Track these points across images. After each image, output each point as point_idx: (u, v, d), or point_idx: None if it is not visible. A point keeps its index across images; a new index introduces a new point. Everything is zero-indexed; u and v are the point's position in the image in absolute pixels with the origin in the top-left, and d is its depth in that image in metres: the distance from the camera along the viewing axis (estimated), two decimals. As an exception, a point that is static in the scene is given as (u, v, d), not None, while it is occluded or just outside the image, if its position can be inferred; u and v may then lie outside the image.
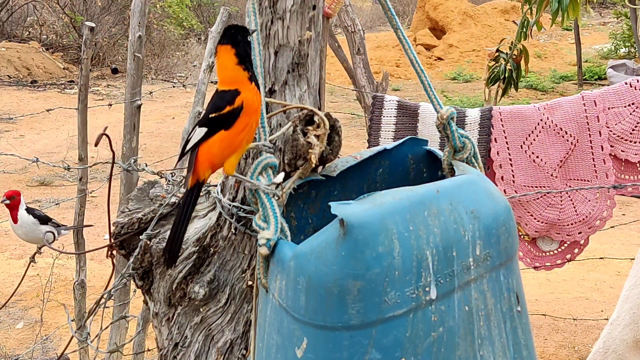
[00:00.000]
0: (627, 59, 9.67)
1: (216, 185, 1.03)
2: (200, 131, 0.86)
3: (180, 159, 0.92)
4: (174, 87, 4.40)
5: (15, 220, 1.88)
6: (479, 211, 0.82)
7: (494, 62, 4.38)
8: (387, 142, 2.10)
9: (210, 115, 0.86)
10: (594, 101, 1.99)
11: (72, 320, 2.52)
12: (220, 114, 0.85)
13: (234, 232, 0.98)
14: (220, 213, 0.99)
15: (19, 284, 1.80)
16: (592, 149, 1.99)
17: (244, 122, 0.86)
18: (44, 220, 1.91)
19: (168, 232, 1.01)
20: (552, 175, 2.01)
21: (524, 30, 4.11)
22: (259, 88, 0.87)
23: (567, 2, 3.60)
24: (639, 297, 1.74)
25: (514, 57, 4.23)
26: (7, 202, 1.87)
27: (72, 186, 5.45)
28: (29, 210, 1.90)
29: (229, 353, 0.99)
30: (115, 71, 11.11)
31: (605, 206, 2.00)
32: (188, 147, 0.87)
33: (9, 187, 5.82)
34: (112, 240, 1.07)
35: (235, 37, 0.86)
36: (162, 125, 8.06)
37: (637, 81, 1.98)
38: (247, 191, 0.89)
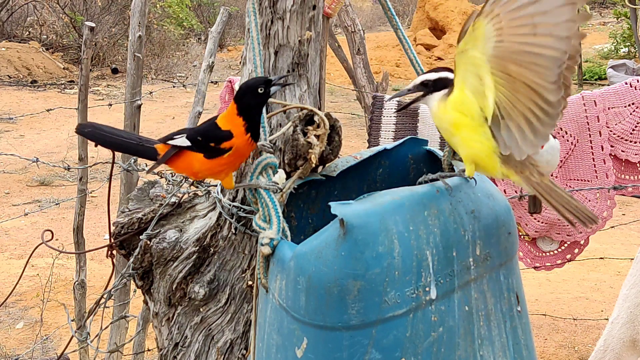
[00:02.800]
0: (627, 59, 9.66)
1: (216, 185, 1.03)
2: (184, 142, 0.90)
3: (163, 140, 0.94)
4: (174, 87, 4.40)
5: None
6: (479, 211, 0.82)
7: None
8: (387, 142, 2.10)
9: (198, 138, 0.90)
10: (594, 101, 1.99)
11: (72, 320, 2.52)
12: (207, 145, 0.89)
13: (234, 232, 0.98)
14: (220, 213, 0.99)
15: (17, 283, 1.79)
16: (592, 149, 1.99)
17: (226, 161, 0.90)
18: None
19: (168, 232, 1.01)
20: (552, 175, 2.01)
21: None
22: (254, 138, 0.90)
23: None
24: (637, 297, 1.75)
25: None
26: None
27: (72, 186, 5.45)
28: None
29: (229, 353, 0.99)
30: (115, 71, 11.10)
31: (605, 206, 2.00)
32: (173, 142, 0.91)
33: (9, 187, 5.82)
34: (112, 240, 1.07)
35: (241, 96, 0.89)
36: (162, 125, 8.06)
37: (637, 81, 1.98)
38: (248, 191, 0.90)
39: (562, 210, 0.78)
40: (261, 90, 0.88)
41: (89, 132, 0.92)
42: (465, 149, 0.82)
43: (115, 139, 0.92)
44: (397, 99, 2.17)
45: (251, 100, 0.88)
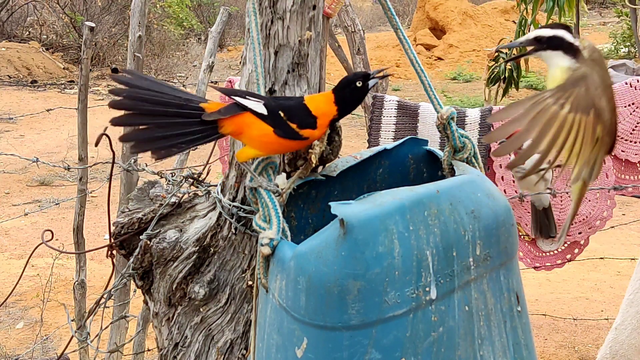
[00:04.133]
0: (627, 59, 9.66)
1: (216, 185, 1.03)
2: (261, 108, 0.85)
3: (228, 94, 0.88)
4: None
5: None
6: (479, 211, 0.82)
7: (494, 62, 4.39)
8: (387, 142, 2.10)
9: (279, 112, 0.86)
10: (594, 101, 1.99)
11: (72, 320, 2.52)
12: (287, 123, 0.85)
13: (234, 232, 0.98)
14: (220, 213, 0.99)
15: (17, 283, 1.79)
16: (592, 149, 1.99)
17: (289, 146, 0.87)
18: None
19: (168, 232, 1.01)
20: (553, 175, 2.01)
21: (522, 29, 4.11)
22: (333, 129, 0.89)
23: (563, 0, 3.61)
24: None
25: (514, 56, 4.23)
26: None
27: (72, 186, 5.45)
28: None
29: (229, 353, 0.99)
30: (115, 71, 11.09)
31: (605, 206, 2.00)
32: (242, 101, 0.85)
33: (9, 187, 5.82)
34: (112, 240, 1.07)
35: (341, 88, 0.89)
36: (162, 125, 8.03)
37: (637, 81, 1.98)
38: (248, 191, 0.90)
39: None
40: (359, 84, 0.88)
41: (126, 105, 0.83)
42: None
43: (152, 115, 0.83)
44: (396, 98, 2.16)
45: (349, 94, 0.88)
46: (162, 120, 0.84)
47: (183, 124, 0.85)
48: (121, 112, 0.84)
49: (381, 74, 0.90)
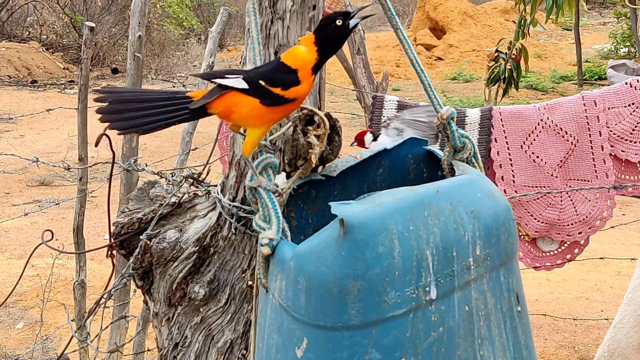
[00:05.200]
0: (627, 59, 9.67)
1: (216, 185, 1.03)
2: (241, 83, 0.83)
3: (203, 76, 0.87)
4: (174, 87, 4.41)
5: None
6: (479, 211, 0.82)
7: (494, 62, 4.39)
8: (387, 142, 2.10)
9: (260, 82, 0.83)
10: (594, 101, 1.99)
11: (72, 320, 2.52)
12: (269, 90, 0.82)
13: (234, 232, 0.98)
14: (220, 213, 0.99)
15: (17, 283, 1.79)
16: (592, 149, 1.99)
17: (282, 111, 0.85)
18: None
19: (168, 232, 1.01)
20: (552, 175, 2.01)
21: (522, 29, 4.11)
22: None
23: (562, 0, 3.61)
24: None
25: (513, 56, 4.24)
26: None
27: (72, 186, 5.45)
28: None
29: (229, 353, 0.99)
30: (115, 71, 11.11)
31: (605, 206, 2.00)
32: (221, 81, 0.83)
33: (9, 187, 5.82)
34: (112, 240, 1.07)
35: (321, 27, 0.85)
36: (162, 125, 8.04)
37: (637, 81, 1.98)
38: (247, 191, 0.89)
39: None
40: (339, 22, 0.84)
41: (111, 113, 0.80)
42: None
43: (140, 109, 0.81)
44: (396, 98, 2.17)
45: (330, 33, 0.84)
46: (150, 111, 0.83)
47: (172, 111, 0.83)
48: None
49: (362, 13, 0.86)
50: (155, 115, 0.82)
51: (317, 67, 0.86)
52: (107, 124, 0.81)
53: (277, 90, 0.83)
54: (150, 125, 0.82)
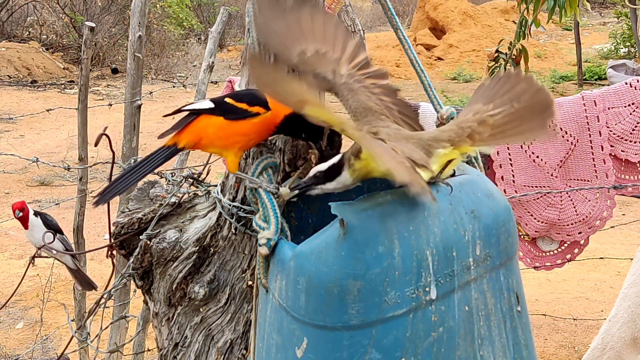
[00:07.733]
0: (627, 59, 9.67)
1: (216, 185, 1.03)
2: (208, 103, 0.83)
3: (172, 114, 0.89)
4: (174, 87, 4.41)
5: (26, 227, 1.88)
6: (479, 211, 0.82)
7: (494, 63, 4.38)
8: (387, 142, 2.10)
9: (225, 99, 0.83)
10: (594, 101, 1.99)
11: (72, 320, 2.52)
12: (234, 105, 0.82)
13: (234, 232, 0.98)
14: (220, 213, 0.99)
15: (19, 284, 1.80)
16: (592, 149, 1.99)
17: (247, 130, 0.84)
18: (54, 228, 1.91)
19: (168, 232, 1.01)
20: (552, 175, 2.01)
21: (523, 29, 4.10)
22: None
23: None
24: (638, 295, 1.75)
25: (514, 57, 4.23)
26: (20, 214, 1.87)
27: (72, 186, 5.44)
28: (36, 214, 1.90)
29: (229, 353, 0.99)
30: (115, 71, 11.10)
31: (605, 206, 2.00)
32: (189, 107, 0.84)
33: (9, 187, 5.82)
34: (112, 240, 1.07)
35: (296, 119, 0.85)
36: (162, 125, 8.05)
37: (637, 81, 1.98)
38: (248, 191, 0.89)
39: None
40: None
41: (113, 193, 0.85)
42: None
43: (133, 177, 0.85)
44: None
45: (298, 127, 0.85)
46: (134, 173, 0.86)
47: (150, 162, 0.85)
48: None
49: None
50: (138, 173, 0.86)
51: (284, 126, 0.84)
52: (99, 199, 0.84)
53: (242, 105, 0.82)
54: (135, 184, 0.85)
